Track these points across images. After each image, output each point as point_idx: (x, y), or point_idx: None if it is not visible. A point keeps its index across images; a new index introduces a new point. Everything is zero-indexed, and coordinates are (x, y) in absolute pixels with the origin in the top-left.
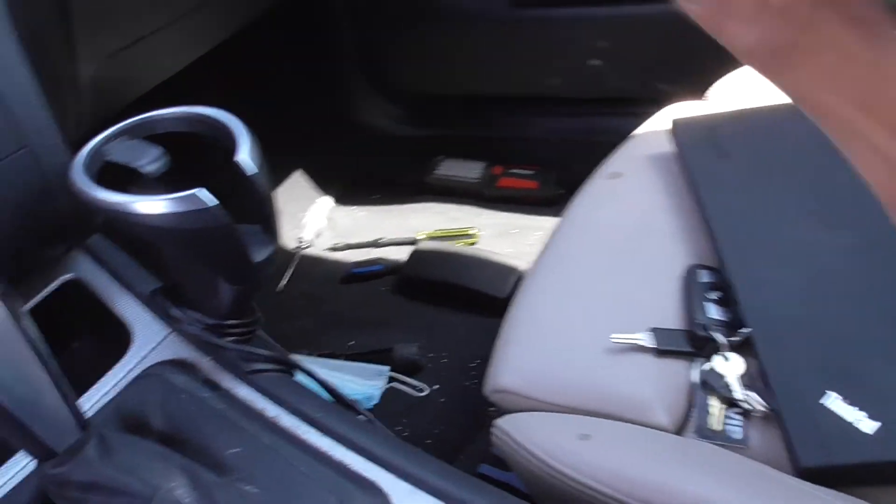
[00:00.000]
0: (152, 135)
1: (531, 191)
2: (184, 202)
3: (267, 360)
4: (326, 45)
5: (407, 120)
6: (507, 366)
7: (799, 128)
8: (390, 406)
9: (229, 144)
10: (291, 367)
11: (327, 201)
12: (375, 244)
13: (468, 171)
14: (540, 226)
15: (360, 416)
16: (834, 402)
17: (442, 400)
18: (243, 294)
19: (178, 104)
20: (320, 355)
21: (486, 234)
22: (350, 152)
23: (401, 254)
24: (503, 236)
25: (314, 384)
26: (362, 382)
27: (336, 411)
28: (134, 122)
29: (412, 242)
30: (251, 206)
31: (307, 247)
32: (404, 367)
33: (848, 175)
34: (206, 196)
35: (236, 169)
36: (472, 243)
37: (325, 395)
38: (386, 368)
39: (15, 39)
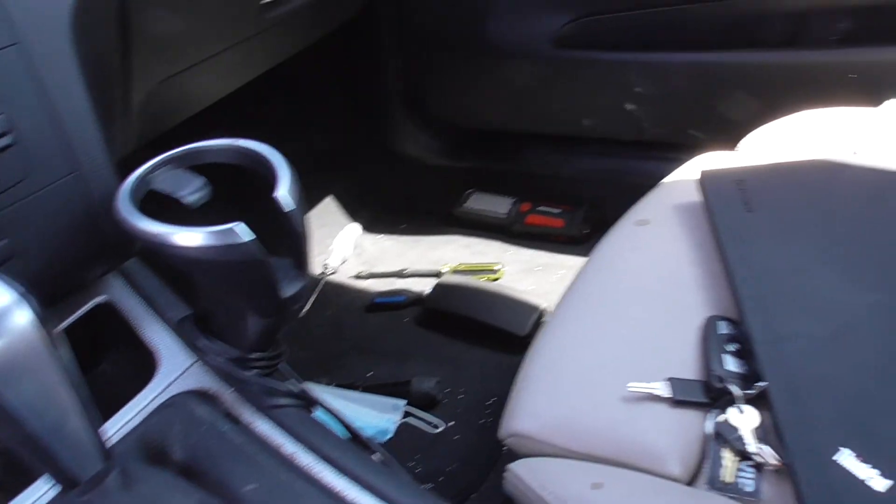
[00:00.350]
0: (196, 165)
1: (557, 229)
2: (221, 236)
3: (287, 395)
4: (370, 73)
5: (440, 151)
6: (522, 410)
7: (827, 185)
8: (405, 440)
9: (270, 179)
10: (311, 403)
11: (355, 228)
12: (400, 274)
13: (496, 205)
14: (564, 264)
15: (377, 455)
16: (847, 458)
17: (456, 437)
18: (270, 327)
19: (222, 126)
20: (338, 385)
21: (510, 270)
22: (381, 180)
23: (425, 285)
24: (527, 273)
25: (332, 420)
26: (378, 415)
27: (352, 451)
28: (181, 151)
29: (437, 275)
30: (286, 241)
31: (332, 273)
32: (421, 400)
33: (874, 233)
34: (243, 230)
35: (275, 204)
36: (496, 279)
37: (342, 431)
38: (402, 402)
39: (77, 64)
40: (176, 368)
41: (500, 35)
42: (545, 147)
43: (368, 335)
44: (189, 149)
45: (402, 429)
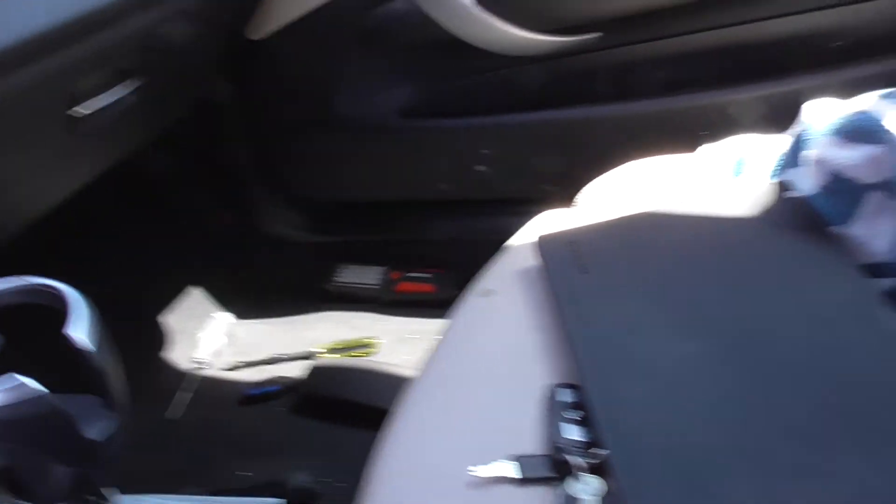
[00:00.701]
0: None
1: (429, 294)
2: (7, 394)
3: None
4: (222, 158)
5: (308, 227)
6: None
7: (653, 238)
8: None
9: (64, 317)
10: None
11: (226, 316)
12: (274, 361)
13: (367, 276)
14: (438, 330)
15: None
16: None
17: None
18: (82, 475)
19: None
20: (208, 494)
21: (386, 342)
22: (250, 264)
23: (301, 369)
24: (403, 342)
25: None
26: None
27: None
28: None
29: (312, 357)
30: (91, 380)
31: (203, 368)
32: (299, 497)
33: (697, 282)
34: (31, 385)
35: (70, 342)
36: (372, 353)
37: None
38: (279, 501)
39: None
40: None
41: (348, 109)
42: (409, 214)
43: (243, 431)
44: None
45: None
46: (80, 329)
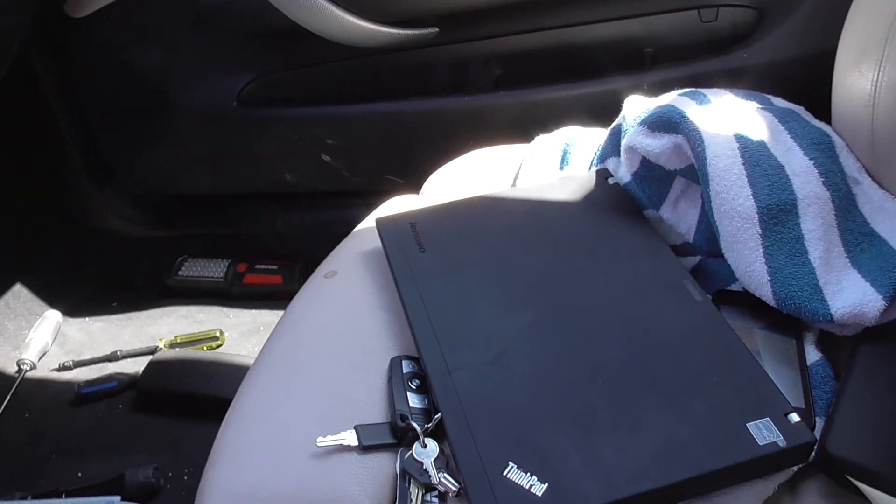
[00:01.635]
0: None
1: (277, 286)
2: None
3: None
4: (44, 143)
5: (144, 221)
6: (212, 488)
7: (486, 218)
8: None
9: None
10: None
11: (55, 315)
12: (112, 358)
13: (212, 270)
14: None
15: None
16: (512, 472)
17: None
18: None
19: None
20: (35, 497)
21: (232, 335)
22: (82, 259)
23: (140, 366)
24: (251, 335)
25: None
26: None
27: None
28: None
29: (153, 352)
30: None
31: (30, 369)
32: (138, 492)
33: (526, 258)
34: None
35: None
36: (218, 346)
37: None
38: (116, 499)
39: None
40: None
41: (183, 97)
42: (254, 205)
43: (76, 432)
44: None
45: None
46: None
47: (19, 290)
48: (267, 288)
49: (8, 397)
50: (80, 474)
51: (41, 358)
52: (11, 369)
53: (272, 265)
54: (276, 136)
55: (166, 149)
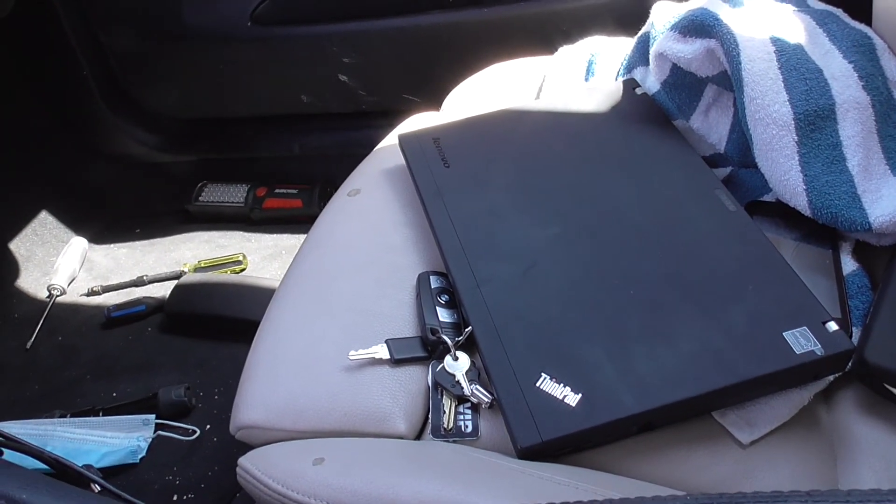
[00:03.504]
0: None
1: (297, 210)
2: None
3: None
4: (63, 73)
5: (161, 146)
6: (246, 401)
7: (512, 132)
8: (160, 455)
9: None
10: None
11: (81, 242)
12: (138, 283)
13: (232, 195)
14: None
15: (96, 486)
16: (545, 382)
17: (215, 439)
18: None
19: None
20: (74, 414)
21: (255, 259)
22: (104, 185)
23: (167, 290)
24: (273, 258)
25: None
26: (126, 436)
27: (56, 488)
28: None
29: (178, 276)
30: None
31: (60, 294)
32: (172, 411)
33: (551, 171)
34: None
35: None
36: (242, 269)
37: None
38: (151, 417)
39: None
40: None
41: (196, 17)
42: (271, 129)
43: (108, 354)
44: None
45: (157, 443)
46: None
47: (45, 218)
48: (287, 212)
49: (41, 321)
50: (114, 394)
51: (70, 283)
52: (42, 294)
53: (292, 189)
54: (292, 56)
55: (181, 72)
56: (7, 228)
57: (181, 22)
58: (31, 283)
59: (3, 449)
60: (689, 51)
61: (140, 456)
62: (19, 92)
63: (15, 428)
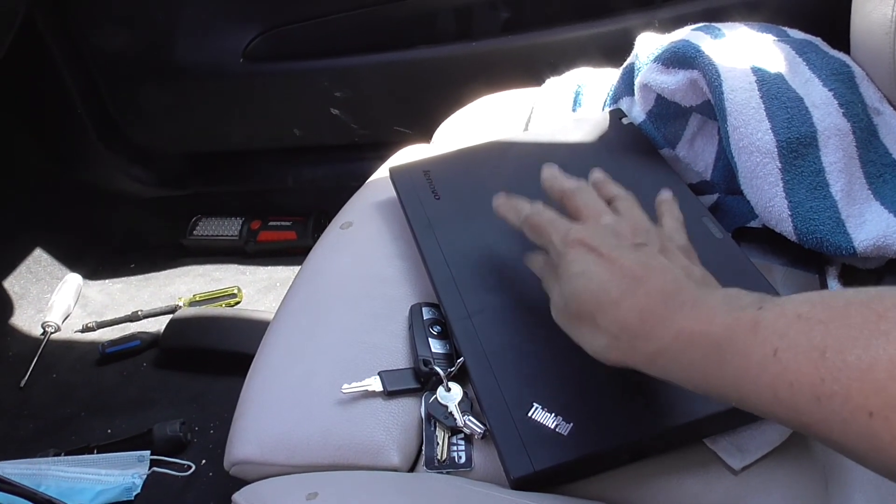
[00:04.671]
0: None
1: (291, 241)
2: None
3: None
4: (56, 109)
5: (155, 181)
6: (240, 436)
7: (501, 163)
8: (156, 491)
9: None
10: None
11: (76, 278)
12: (133, 318)
13: (226, 228)
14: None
15: None
16: (537, 412)
17: (210, 474)
18: None
19: None
20: (68, 453)
21: (249, 292)
22: (98, 222)
23: (161, 325)
24: (268, 291)
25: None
26: (120, 473)
27: None
28: None
29: (173, 311)
30: None
31: (54, 331)
32: (167, 446)
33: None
34: None
35: None
36: (236, 303)
37: None
38: (146, 453)
39: None
40: None
41: (188, 55)
42: (265, 162)
43: (103, 391)
44: None
45: (152, 480)
46: None
47: (39, 255)
48: (281, 244)
49: (35, 359)
50: (109, 431)
51: (65, 320)
52: (37, 332)
53: (285, 221)
54: (284, 90)
55: (174, 108)
56: (1, 267)
57: (174, 60)
58: (26, 320)
59: None
60: (672, 82)
61: (135, 493)
62: (13, 130)
63: (8, 468)
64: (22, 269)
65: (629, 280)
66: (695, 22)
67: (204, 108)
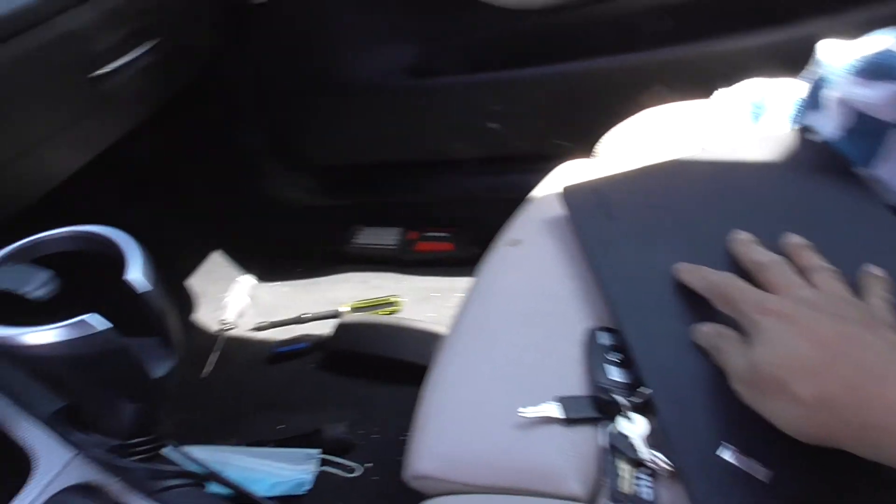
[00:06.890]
0: (41, 256)
1: (448, 252)
2: (74, 329)
3: (175, 475)
4: (233, 127)
5: (320, 191)
6: (421, 450)
7: (678, 183)
8: (324, 489)
9: (120, 262)
10: (202, 479)
11: (249, 279)
12: (299, 320)
13: (385, 237)
14: (459, 287)
15: None
16: (727, 452)
17: (375, 478)
18: (145, 412)
19: (81, 206)
20: (248, 444)
21: (408, 300)
22: (269, 229)
23: (325, 328)
24: (425, 301)
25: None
26: (293, 468)
27: None
28: (17, 246)
29: (335, 315)
30: (149, 322)
31: (231, 329)
32: (335, 447)
33: (723, 224)
34: (96, 320)
35: (129, 287)
36: (396, 311)
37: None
38: (316, 451)
39: None
40: (54, 465)
41: (352, 72)
42: (422, 174)
43: (274, 387)
44: (27, 241)
45: (321, 478)
46: (137, 272)
47: (217, 258)
48: (438, 255)
49: (215, 353)
50: (281, 426)
51: (239, 318)
52: (214, 328)
53: (442, 232)
54: (444, 104)
55: (339, 123)
56: (184, 268)
57: (340, 78)
58: (204, 317)
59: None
60: (873, 95)
61: (305, 488)
62: (198, 145)
63: (197, 452)
64: (201, 270)
65: (831, 350)
66: (881, 27)
67: (366, 122)
